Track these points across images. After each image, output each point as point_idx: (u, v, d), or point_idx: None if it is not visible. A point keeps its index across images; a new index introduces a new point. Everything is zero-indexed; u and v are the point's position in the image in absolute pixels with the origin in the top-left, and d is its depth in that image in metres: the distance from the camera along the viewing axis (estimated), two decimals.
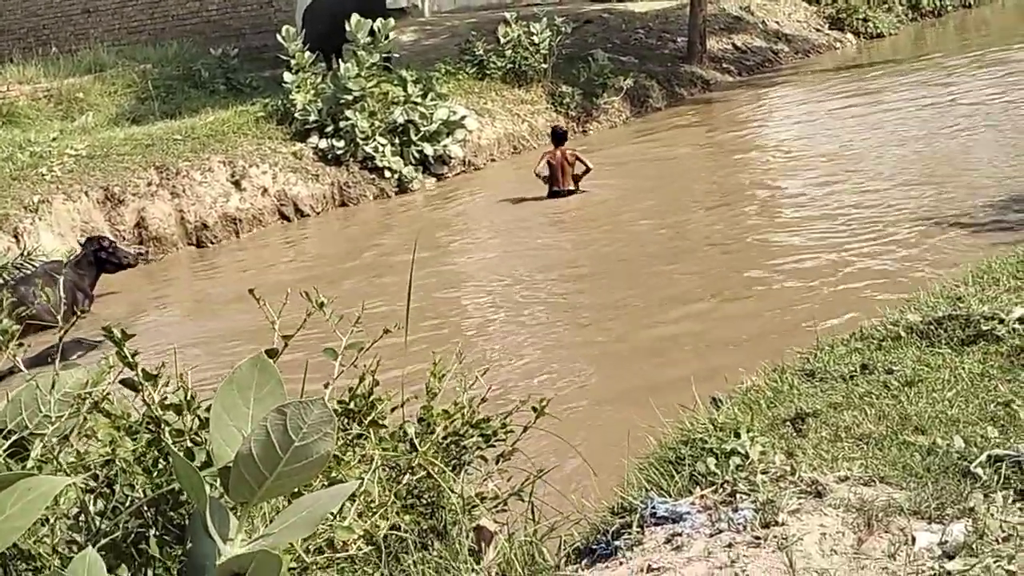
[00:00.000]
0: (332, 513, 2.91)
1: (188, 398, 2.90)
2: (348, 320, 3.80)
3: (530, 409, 4.26)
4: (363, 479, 3.14)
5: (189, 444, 2.81)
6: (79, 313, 12.04)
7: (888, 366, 4.49)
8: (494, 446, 4.16)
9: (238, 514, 2.40)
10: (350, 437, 3.47)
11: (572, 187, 14.50)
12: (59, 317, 3.47)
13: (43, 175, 14.33)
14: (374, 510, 3.16)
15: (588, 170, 14.55)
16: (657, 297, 10.09)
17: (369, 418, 3.44)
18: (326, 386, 3.39)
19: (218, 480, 2.46)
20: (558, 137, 15.03)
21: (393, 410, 4.03)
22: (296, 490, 2.58)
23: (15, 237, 13.24)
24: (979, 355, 4.44)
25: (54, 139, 15.60)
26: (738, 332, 8.57)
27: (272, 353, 2.92)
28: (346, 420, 3.58)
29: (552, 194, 14.44)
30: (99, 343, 11.06)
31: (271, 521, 2.51)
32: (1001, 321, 4.57)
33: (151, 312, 12.26)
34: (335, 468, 3.10)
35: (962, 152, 14.18)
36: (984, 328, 4.57)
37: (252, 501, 2.36)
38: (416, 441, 3.60)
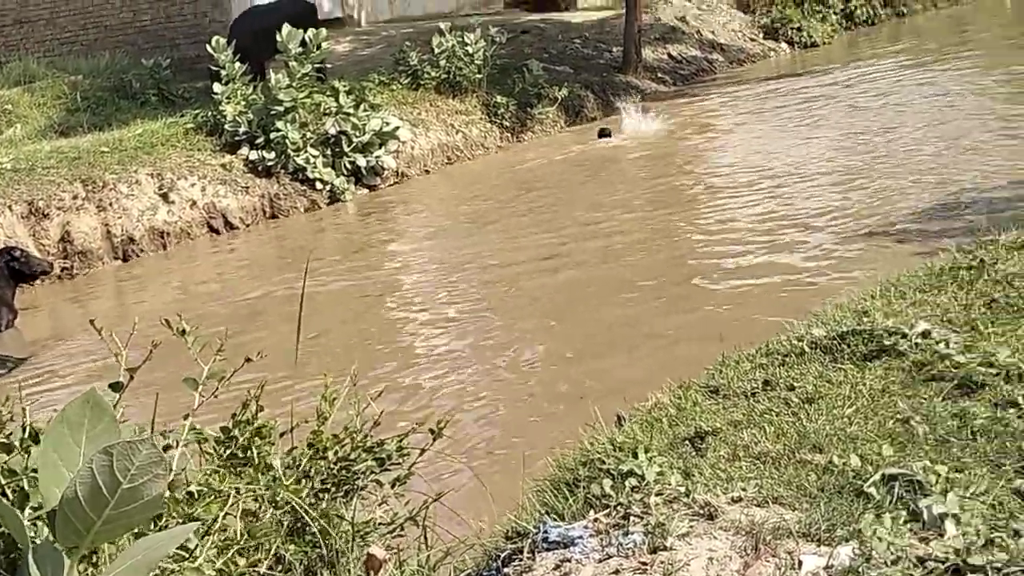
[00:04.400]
0: (187, 552, 2.82)
1: (26, 436, 2.79)
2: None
3: (427, 431, 4.18)
4: (210, 519, 3.03)
5: (26, 485, 2.70)
6: (3, 328, 11.88)
7: (790, 382, 4.45)
8: (389, 470, 4.07)
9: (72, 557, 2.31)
10: (228, 467, 3.37)
11: None
12: None
13: None
14: (234, 547, 3.06)
15: None
16: (580, 308, 10.05)
17: (228, 451, 3.33)
18: (186, 418, 3.28)
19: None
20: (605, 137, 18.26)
21: (282, 435, 3.93)
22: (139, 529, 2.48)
23: None
24: (881, 371, 4.41)
25: None
26: (653, 344, 8.53)
27: (117, 387, 2.82)
28: (227, 448, 3.47)
29: None
30: (23, 360, 10.88)
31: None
32: (904, 336, 4.54)
33: (75, 329, 12.05)
34: (197, 504, 3.00)
35: (892, 158, 14.28)
36: (887, 343, 4.54)
37: (82, 545, 2.26)
38: (281, 474, 3.49)
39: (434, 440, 4.19)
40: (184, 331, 3.25)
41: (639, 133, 18.33)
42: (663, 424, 4.37)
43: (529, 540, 3.63)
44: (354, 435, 3.91)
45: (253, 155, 15.87)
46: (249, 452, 3.53)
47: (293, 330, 9.68)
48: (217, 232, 15.18)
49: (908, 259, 9.54)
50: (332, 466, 3.83)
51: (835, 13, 27.83)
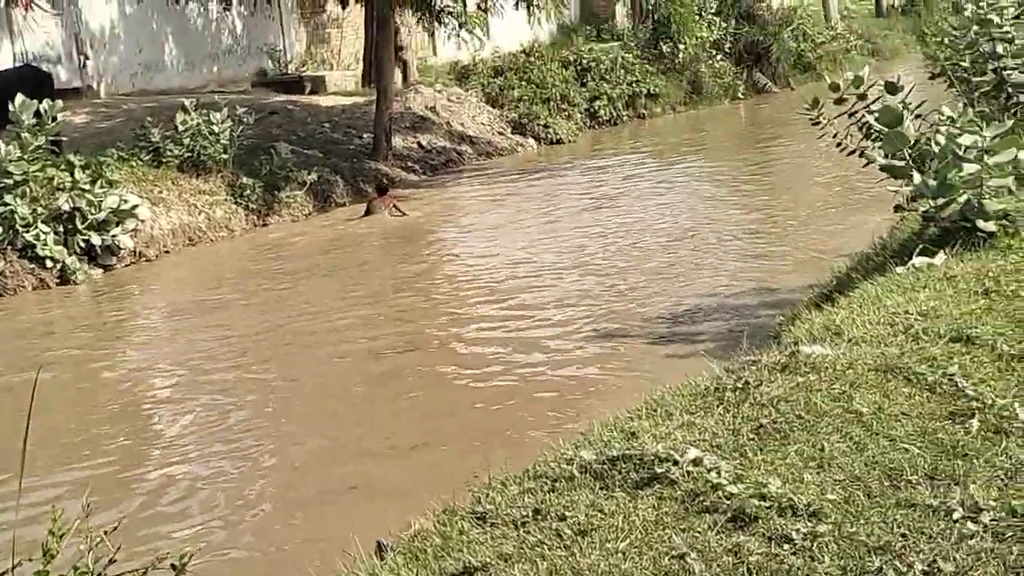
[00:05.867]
0: None
1: None
2: None
3: (170, 567, 3.76)
4: None
5: None
6: None
7: (561, 511, 4.24)
8: None
9: None
10: None
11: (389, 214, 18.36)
12: None
13: None
14: None
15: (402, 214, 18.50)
16: (324, 403, 9.69)
17: None
18: None
19: None
20: (382, 191, 19.10)
21: (2, 575, 3.45)
22: None
23: None
24: (653, 500, 4.25)
25: None
26: (409, 463, 8.20)
27: None
28: None
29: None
30: None
31: None
32: (675, 463, 4.41)
33: None
34: None
35: (635, 256, 14.57)
36: (659, 470, 4.39)
37: None
38: None
39: None
40: None
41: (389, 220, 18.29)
42: (428, 556, 4.09)
43: None
44: (85, 575, 3.46)
45: None
46: None
47: (13, 430, 8.96)
48: None
49: (662, 361, 9.69)
50: None
51: (580, 112, 28.61)
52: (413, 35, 28.70)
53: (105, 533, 3.66)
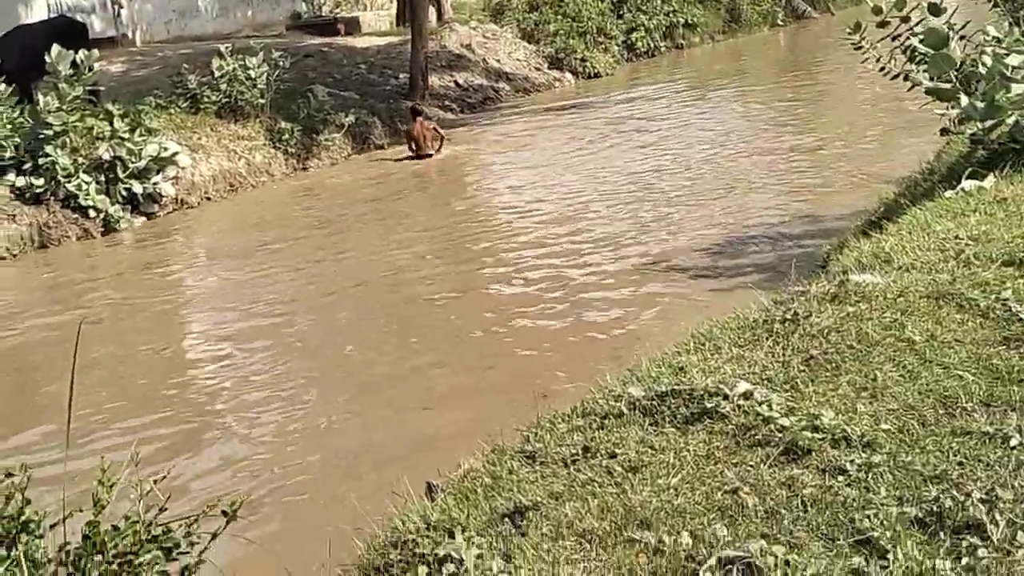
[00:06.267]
0: None
1: None
2: None
3: (221, 513, 3.76)
4: None
5: None
6: None
7: (611, 448, 4.20)
8: (176, 559, 3.62)
9: None
10: None
11: (432, 151, 18.44)
12: None
13: None
14: None
15: (443, 138, 18.75)
16: (370, 348, 9.68)
17: None
18: None
19: None
20: (416, 113, 18.95)
21: (53, 527, 3.45)
22: None
23: None
24: (704, 435, 4.20)
25: None
26: (459, 405, 8.17)
27: None
28: None
29: (418, 157, 18.39)
30: None
31: None
32: (725, 397, 4.35)
33: None
34: None
35: (673, 189, 14.43)
36: (708, 405, 4.34)
37: None
38: None
39: (227, 523, 3.77)
40: None
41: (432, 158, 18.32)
42: (479, 496, 4.06)
43: None
44: (136, 525, 3.46)
45: (20, 181, 14.92)
46: (14, 551, 3.07)
47: (58, 378, 9.04)
48: None
49: (708, 295, 9.60)
50: (110, 562, 3.37)
51: (617, 44, 28.34)
52: None
53: (154, 482, 3.66)
